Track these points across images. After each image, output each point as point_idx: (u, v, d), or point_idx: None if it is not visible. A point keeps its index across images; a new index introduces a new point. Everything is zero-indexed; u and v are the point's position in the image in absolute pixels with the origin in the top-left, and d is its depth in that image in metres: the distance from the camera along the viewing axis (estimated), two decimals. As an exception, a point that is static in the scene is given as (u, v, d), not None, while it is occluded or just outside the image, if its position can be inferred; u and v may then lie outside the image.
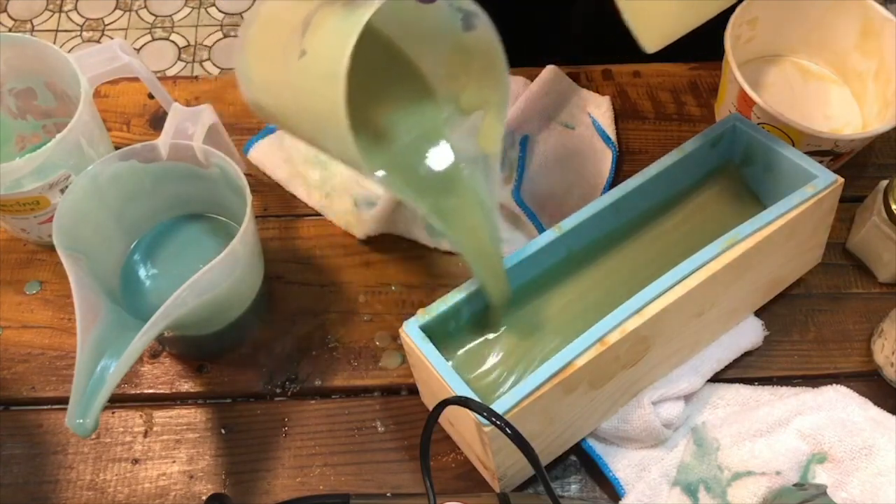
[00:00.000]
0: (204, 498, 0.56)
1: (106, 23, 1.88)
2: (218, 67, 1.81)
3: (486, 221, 0.54)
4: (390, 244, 0.68)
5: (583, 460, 0.59)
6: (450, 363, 0.52)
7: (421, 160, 0.55)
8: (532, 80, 0.73)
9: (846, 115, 0.71)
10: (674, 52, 0.77)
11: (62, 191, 0.61)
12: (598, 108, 0.73)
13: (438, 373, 0.51)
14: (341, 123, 0.45)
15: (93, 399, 0.49)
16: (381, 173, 0.51)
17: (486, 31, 0.50)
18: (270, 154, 0.71)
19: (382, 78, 0.54)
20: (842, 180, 0.58)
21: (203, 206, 0.63)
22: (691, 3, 0.53)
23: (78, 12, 1.89)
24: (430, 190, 0.54)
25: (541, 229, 0.65)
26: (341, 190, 0.68)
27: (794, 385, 0.62)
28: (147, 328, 0.49)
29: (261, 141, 0.71)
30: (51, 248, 0.65)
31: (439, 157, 0.55)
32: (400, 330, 0.54)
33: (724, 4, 0.53)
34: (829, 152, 0.65)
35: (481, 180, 0.54)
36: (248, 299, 0.60)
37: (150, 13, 1.89)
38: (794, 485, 0.55)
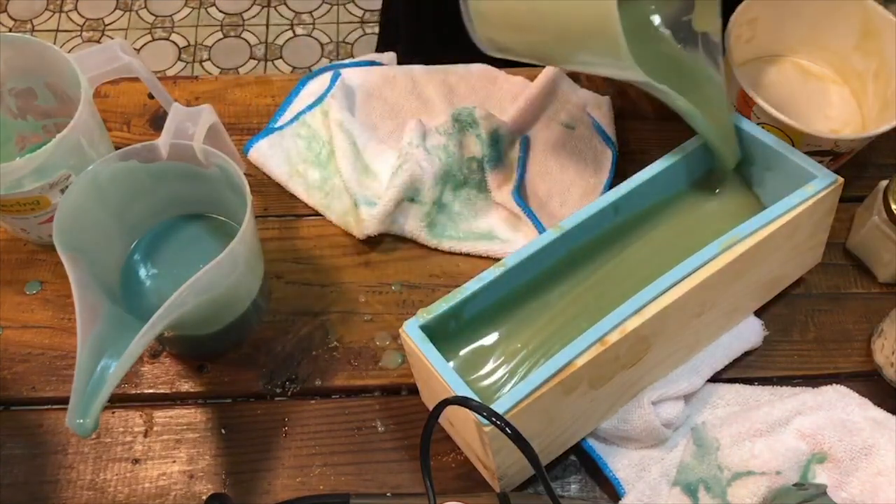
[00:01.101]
0: (204, 498, 0.57)
1: (106, 23, 1.88)
2: (218, 67, 1.81)
3: (718, 91, 0.60)
4: (390, 244, 0.68)
5: (583, 460, 0.59)
6: (450, 363, 0.52)
7: (648, 51, 0.59)
8: (532, 81, 0.73)
9: (846, 115, 0.71)
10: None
11: (62, 191, 0.61)
12: (598, 109, 0.73)
13: (438, 373, 0.51)
14: (614, 27, 0.49)
15: (93, 399, 0.49)
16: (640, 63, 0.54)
17: None
18: (270, 154, 0.71)
19: None
20: (842, 180, 0.58)
21: (203, 206, 0.63)
22: None
23: (78, 12, 1.89)
24: (667, 73, 0.58)
25: (541, 229, 0.65)
26: (341, 190, 0.68)
27: (794, 385, 0.62)
28: (147, 328, 0.49)
29: (261, 141, 0.71)
30: (51, 248, 0.65)
31: (663, 41, 0.60)
32: (400, 330, 0.54)
33: None
34: (829, 152, 0.65)
35: (705, 57, 0.59)
36: (248, 299, 0.60)
37: (150, 13, 1.89)
38: (794, 485, 0.55)
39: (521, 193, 0.67)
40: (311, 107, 0.73)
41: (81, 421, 0.48)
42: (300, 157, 0.71)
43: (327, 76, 0.74)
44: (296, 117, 0.72)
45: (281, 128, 0.72)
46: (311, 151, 0.71)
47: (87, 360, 0.49)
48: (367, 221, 0.65)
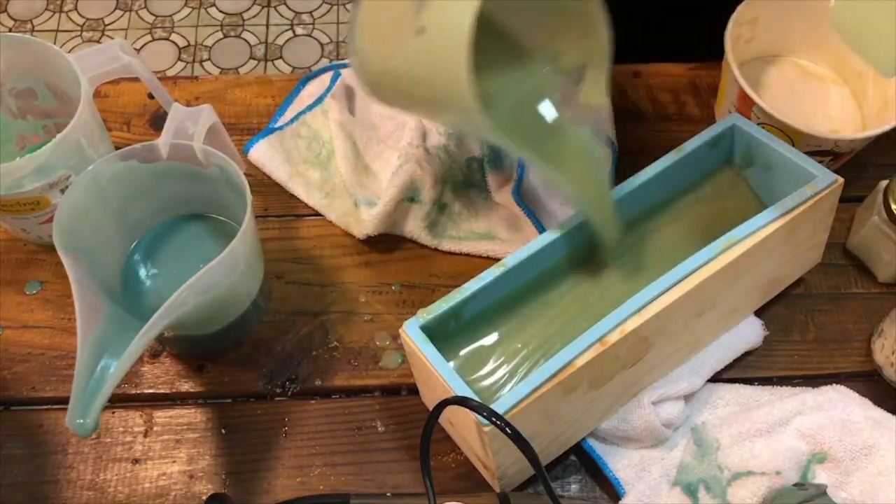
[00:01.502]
0: (204, 498, 0.57)
1: (106, 23, 1.88)
2: (218, 67, 1.81)
3: (598, 170, 0.58)
4: (390, 244, 0.68)
5: (583, 460, 0.59)
6: (450, 363, 0.52)
7: (529, 121, 0.57)
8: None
9: (846, 115, 0.71)
10: (674, 52, 0.78)
11: (62, 191, 0.61)
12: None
13: (438, 373, 0.51)
14: (467, 95, 0.47)
15: (93, 399, 0.49)
16: (498, 133, 0.53)
17: None
18: (270, 154, 0.71)
19: (484, 45, 0.55)
20: (842, 180, 0.58)
21: (203, 206, 0.63)
22: None
23: (78, 12, 1.89)
24: (541, 145, 0.56)
25: (541, 229, 0.65)
26: (341, 190, 0.68)
27: (794, 385, 0.62)
28: (147, 328, 0.49)
29: (261, 141, 0.71)
30: (51, 248, 0.65)
31: (545, 115, 0.57)
32: (400, 330, 0.54)
33: None
34: (829, 152, 0.65)
35: (588, 133, 0.57)
36: (248, 299, 0.60)
37: (150, 13, 1.89)
38: (794, 485, 0.55)
39: (521, 193, 0.67)
40: (311, 107, 0.73)
41: (81, 421, 0.48)
42: (300, 157, 0.71)
43: (327, 76, 0.74)
44: (296, 117, 0.72)
45: (281, 128, 0.72)
46: (312, 151, 0.71)
47: (87, 360, 0.49)
48: (367, 221, 0.65)
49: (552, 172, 0.55)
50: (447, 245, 0.67)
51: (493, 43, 0.57)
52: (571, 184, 0.56)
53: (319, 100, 0.73)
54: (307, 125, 0.72)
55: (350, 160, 0.68)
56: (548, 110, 0.57)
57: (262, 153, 0.71)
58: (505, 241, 0.67)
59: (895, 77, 0.54)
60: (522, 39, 0.57)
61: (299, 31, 1.87)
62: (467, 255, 0.67)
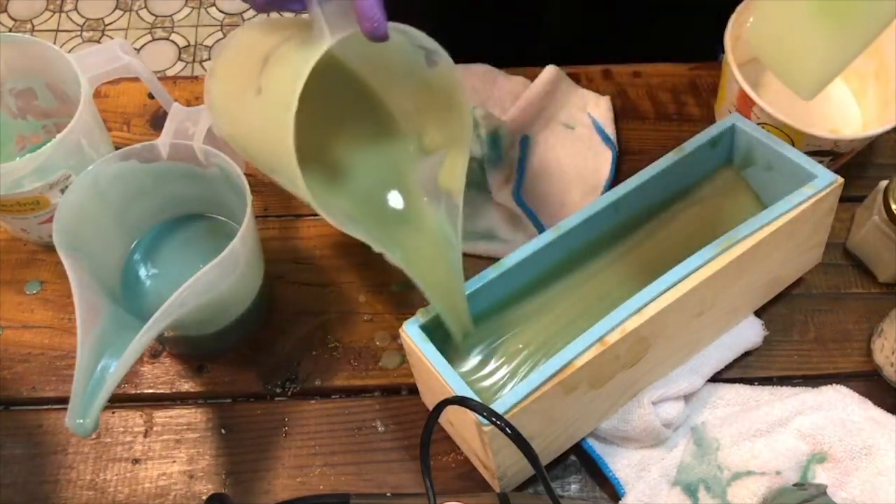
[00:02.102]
0: (204, 498, 0.56)
1: (106, 23, 1.88)
2: (218, 67, 1.81)
3: (449, 256, 0.54)
4: (390, 244, 0.68)
5: (583, 460, 0.59)
6: (450, 363, 0.52)
7: (382, 197, 0.55)
8: (532, 81, 0.73)
9: (846, 115, 0.71)
10: (674, 52, 0.78)
11: (62, 191, 0.61)
12: (598, 108, 0.73)
13: (438, 373, 0.51)
14: (291, 164, 0.45)
15: (93, 399, 0.49)
16: (335, 212, 0.50)
17: (447, 68, 0.50)
18: None
19: (347, 112, 0.55)
20: (842, 180, 0.58)
21: (203, 206, 0.63)
22: (835, 49, 0.51)
23: (78, 12, 1.89)
24: (391, 226, 0.54)
25: (541, 229, 0.65)
26: None
27: (794, 385, 0.62)
28: (147, 328, 0.49)
29: None
30: (51, 248, 0.65)
31: (400, 195, 0.55)
32: (400, 330, 0.54)
33: (871, 39, 0.50)
34: (829, 152, 0.65)
35: (444, 217, 0.54)
36: (248, 299, 0.60)
37: (150, 13, 1.89)
38: (794, 485, 0.55)
39: (521, 193, 0.67)
40: None
41: (81, 421, 0.48)
42: None
43: None
44: None
45: None
46: None
47: (87, 360, 0.49)
48: None
49: (396, 255, 0.53)
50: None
51: (362, 114, 0.55)
52: (417, 269, 0.53)
53: None
54: None
55: None
56: (396, 199, 0.54)
57: None
58: (505, 241, 0.67)
59: (811, 100, 0.53)
60: (393, 113, 0.55)
61: (299, 31, 1.87)
62: (467, 255, 0.67)
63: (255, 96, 0.47)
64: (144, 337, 0.50)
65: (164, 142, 0.57)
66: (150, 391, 0.62)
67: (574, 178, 0.70)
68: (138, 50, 1.82)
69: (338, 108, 0.53)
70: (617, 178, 0.70)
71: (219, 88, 0.52)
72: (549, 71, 0.73)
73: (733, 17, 0.67)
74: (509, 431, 0.46)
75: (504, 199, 0.67)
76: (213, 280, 0.52)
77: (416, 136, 0.55)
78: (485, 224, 0.68)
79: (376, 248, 0.52)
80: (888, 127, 0.64)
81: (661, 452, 0.58)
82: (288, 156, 0.45)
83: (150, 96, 0.74)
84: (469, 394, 0.50)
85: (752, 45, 0.52)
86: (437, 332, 0.54)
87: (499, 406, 0.49)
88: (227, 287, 0.55)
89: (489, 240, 0.67)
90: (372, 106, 0.55)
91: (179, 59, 1.82)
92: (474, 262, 0.67)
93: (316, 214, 0.68)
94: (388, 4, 0.44)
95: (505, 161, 0.69)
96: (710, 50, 0.70)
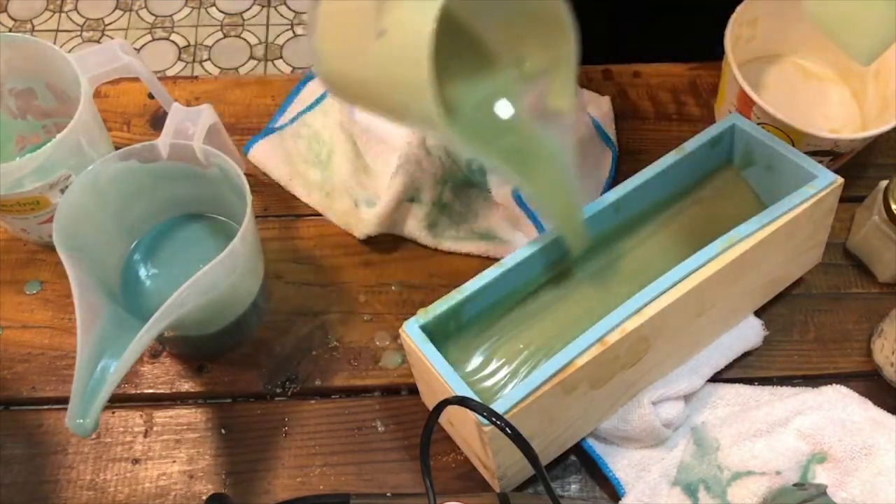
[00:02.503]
0: (204, 498, 0.57)
1: (106, 23, 1.88)
2: (218, 67, 1.81)
3: (565, 176, 0.55)
4: (390, 244, 0.68)
5: (583, 460, 0.59)
6: (450, 363, 0.52)
7: (491, 125, 0.55)
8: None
9: (846, 115, 0.71)
10: (674, 52, 0.78)
11: (62, 191, 0.61)
12: (598, 109, 0.73)
13: (438, 373, 0.51)
14: (429, 102, 0.46)
15: (93, 399, 0.49)
16: (461, 140, 0.51)
17: None
18: (270, 154, 0.71)
19: (448, 49, 0.55)
20: (842, 180, 0.58)
21: (203, 206, 0.63)
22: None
23: (78, 12, 1.89)
24: (505, 151, 0.55)
25: (541, 229, 0.65)
26: (341, 190, 0.68)
27: (794, 385, 0.62)
28: (147, 328, 0.49)
29: (261, 141, 0.71)
30: (51, 248, 0.65)
31: (505, 116, 0.55)
32: (400, 330, 0.54)
33: None
34: (829, 152, 0.65)
35: (556, 138, 0.55)
36: (248, 299, 0.60)
37: (150, 13, 1.89)
38: (794, 485, 0.55)
39: (521, 193, 0.67)
40: (310, 107, 0.73)
41: (81, 421, 0.48)
42: (300, 157, 0.71)
43: None
44: (296, 117, 0.72)
45: (281, 128, 0.72)
46: (312, 152, 0.71)
47: (87, 360, 0.49)
48: (368, 221, 0.65)
49: (517, 178, 0.54)
50: (447, 245, 0.67)
51: (456, 46, 0.55)
52: (538, 190, 0.55)
53: (319, 100, 0.73)
54: (307, 125, 0.72)
55: (350, 160, 0.68)
56: (507, 110, 0.55)
57: (262, 153, 0.71)
58: (505, 241, 0.67)
59: (870, 65, 0.53)
60: (488, 43, 0.56)
61: (299, 31, 1.87)
62: (467, 255, 0.67)
63: (377, 39, 0.47)
64: (144, 337, 0.50)
65: (164, 142, 0.57)
66: (150, 391, 0.62)
67: (574, 178, 0.70)
68: (138, 50, 1.82)
69: (440, 46, 0.54)
70: (617, 178, 0.70)
71: (324, 34, 0.52)
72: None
73: (733, 17, 0.67)
74: (509, 431, 0.46)
75: (504, 199, 0.67)
76: (213, 280, 0.52)
77: (517, 64, 0.55)
78: (485, 224, 0.68)
79: (507, 177, 0.53)
80: (888, 127, 0.64)
81: (661, 452, 0.58)
82: (425, 94, 0.45)
83: (150, 96, 0.74)
84: (469, 394, 0.50)
85: (808, 10, 0.51)
86: (437, 332, 0.54)
87: (499, 406, 0.49)
88: (227, 287, 0.55)
89: (489, 240, 0.67)
90: (467, 41, 0.55)
91: (179, 59, 1.82)
92: (474, 263, 0.67)
93: (316, 214, 0.69)
94: None
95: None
96: (710, 50, 0.70)
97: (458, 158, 0.68)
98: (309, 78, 0.75)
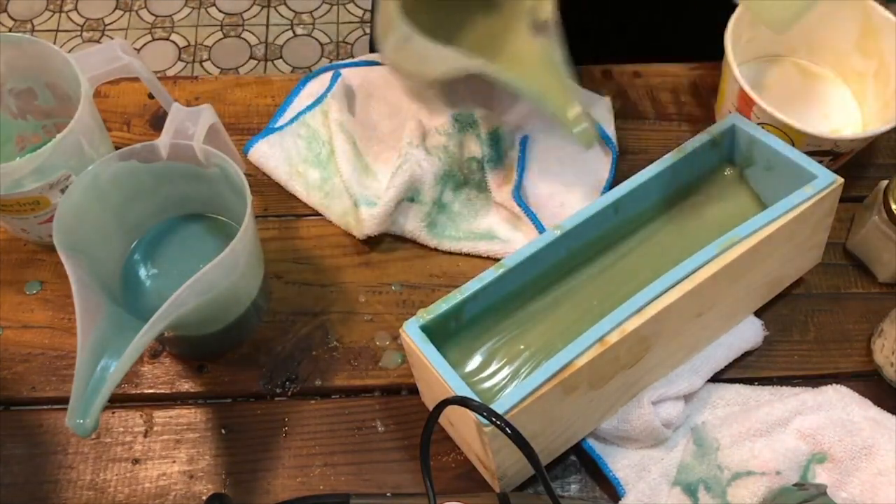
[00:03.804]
0: (204, 498, 0.57)
1: (106, 23, 1.88)
2: (218, 67, 1.81)
3: (555, 63, 0.61)
4: (390, 244, 0.68)
5: (583, 460, 0.59)
6: (450, 363, 0.52)
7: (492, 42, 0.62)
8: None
9: (846, 115, 0.71)
10: (674, 52, 0.78)
11: (62, 191, 0.61)
12: (597, 109, 0.73)
13: (438, 373, 0.51)
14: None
15: (93, 399, 0.49)
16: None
17: None
18: (270, 154, 0.71)
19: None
20: (842, 180, 0.58)
21: (203, 206, 0.63)
22: None
23: (78, 12, 1.89)
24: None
25: (541, 229, 0.65)
26: (341, 190, 0.68)
27: (794, 385, 0.62)
28: (147, 328, 0.49)
29: (261, 141, 0.71)
30: (51, 248, 0.65)
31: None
32: (400, 330, 0.54)
33: None
34: (829, 152, 0.65)
35: (549, 42, 0.61)
36: (248, 299, 0.60)
37: (150, 13, 1.89)
38: (794, 485, 0.55)
39: (520, 193, 0.67)
40: (310, 107, 0.73)
41: (81, 421, 0.48)
42: (300, 157, 0.71)
43: (327, 76, 0.74)
44: (296, 117, 0.72)
45: (281, 128, 0.72)
46: (311, 151, 0.71)
47: (87, 360, 0.49)
48: (368, 221, 0.65)
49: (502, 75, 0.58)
50: (447, 245, 0.67)
51: None
52: (522, 80, 0.60)
53: (319, 100, 0.73)
54: (307, 125, 0.72)
55: (350, 160, 0.68)
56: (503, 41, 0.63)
57: (262, 153, 0.71)
58: (505, 242, 0.67)
59: (785, 33, 0.57)
60: None
61: (299, 31, 1.87)
62: (467, 255, 0.67)
63: None
64: (144, 337, 0.50)
65: (164, 142, 0.57)
66: (150, 391, 0.62)
67: (574, 179, 0.70)
68: (138, 50, 1.82)
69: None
70: (617, 178, 0.70)
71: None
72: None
73: (733, 17, 0.67)
74: (509, 431, 0.46)
75: (504, 199, 0.67)
76: (213, 280, 0.52)
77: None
78: (485, 224, 0.68)
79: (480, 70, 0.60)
80: (888, 127, 0.64)
81: (661, 452, 0.58)
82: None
83: (150, 96, 0.74)
84: (469, 394, 0.50)
85: None
86: (437, 332, 0.54)
87: (499, 406, 0.49)
88: (228, 287, 0.55)
89: (489, 240, 0.67)
90: None
91: (179, 59, 1.82)
92: (474, 263, 0.67)
93: (316, 214, 0.69)
94: None
95: (505, 161, 0.69)
96: (710, 50, 0.70)
97: (459, 158, 0.68)
98: (309, 78, 0.75)
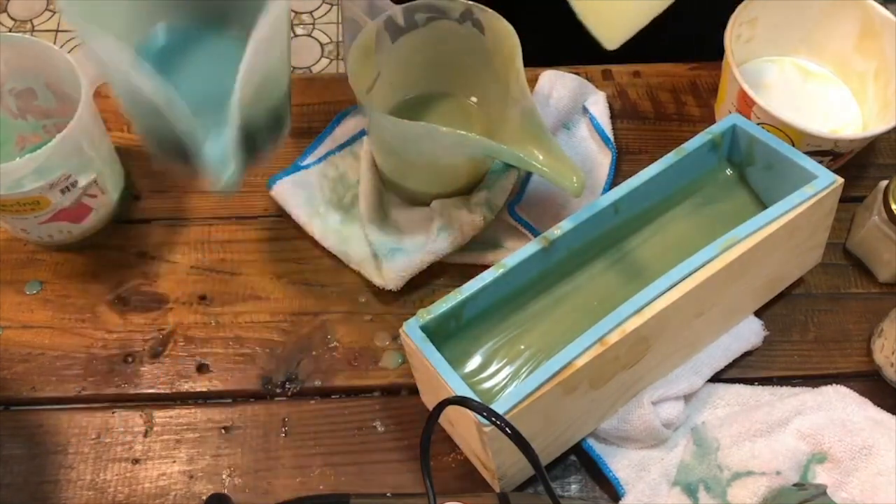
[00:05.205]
0: (204, 498, 0.57)
1: (106, 23, 1.87)
2: (218, 67, 1.81)
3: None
4: (390, 244, 0.68)
5: (583, 460, 0.59)
6: (450, 363, 0.52)
7: None
8: (532, 81, 0.73)
9: (846, 115, 0.71)
10: (674, 52, 0.78)
11: (62, 191, 0.61)
12: (594, 105, 0.72)
13: (438, 373, 0.51)
14: None
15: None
16: None
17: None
18: (292, 193, 0.68)
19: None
20: (842, 180, 0.58)
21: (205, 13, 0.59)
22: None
23: (78, 12, 1.89)
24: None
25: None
26: (360, 236, 0.66)
27: (794, 385, 0.62)
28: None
29: (284, 178, 0.68)
30: (51, 248, 0.65)
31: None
32: (400, 330, 0.54)
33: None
34: (829, 152, 0.65)
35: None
36: (285, 79, 0.57)
37: (150, 13, 1.89)
38: (794, 485, 0.55)
39: (516, 208, 0.67)
40: (341, 147, 0.70)
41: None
42: (323, 198, 0.68)
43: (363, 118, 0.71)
44: (325, 156, 0.70)
45: (307, 166, 0.70)
46: (335, 194, 0.68)
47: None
48: (393, 280, 0.63)
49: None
50: (453, 258, 0.66)
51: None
52: None
53: (351, 140, 0.70)
54: (335, 166, 0.70)
55: (371, 203, 0.66)
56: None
57: (285, 190, 0.68)
58: (511, 251, 0.66)
59: (614, 48, 0.58)
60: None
61: (299, 31, 1.87)
62: (475, 265, 0.66)
63: None
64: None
65: None
66: (150, 391, 0.62)
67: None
68: (138, 50, 1.82)
69: None
70: (616, 178, 0.70)
71: None
72: (549, 72, 0.73)
73: (733, 17, 0.67)
74: (509, 431, 0.46)
75: (503, 213, 0.67)
76: (267, 52, 0.51)
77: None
78: (490, 233, 0.67)
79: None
80: (888, 127, 0.64)
81: (661, 452, 0.58)
82: None
83: (150, 96, 0.74)
84: (469, 394, 0.50)
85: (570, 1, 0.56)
86: (437, 332, 0.54)
87: (499, 406, 0.49)
88: (275, 60, 0.54)
89: (495, 249, 0.66)
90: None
91: (179, 59, 1.82)
92: (480, 270, 0.66)
93: (316, 214, 0.68)
94: None
95: (509, 174, 0.68)
96: (709, 50, 0.70)
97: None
98: (342, 115, 0.73)
